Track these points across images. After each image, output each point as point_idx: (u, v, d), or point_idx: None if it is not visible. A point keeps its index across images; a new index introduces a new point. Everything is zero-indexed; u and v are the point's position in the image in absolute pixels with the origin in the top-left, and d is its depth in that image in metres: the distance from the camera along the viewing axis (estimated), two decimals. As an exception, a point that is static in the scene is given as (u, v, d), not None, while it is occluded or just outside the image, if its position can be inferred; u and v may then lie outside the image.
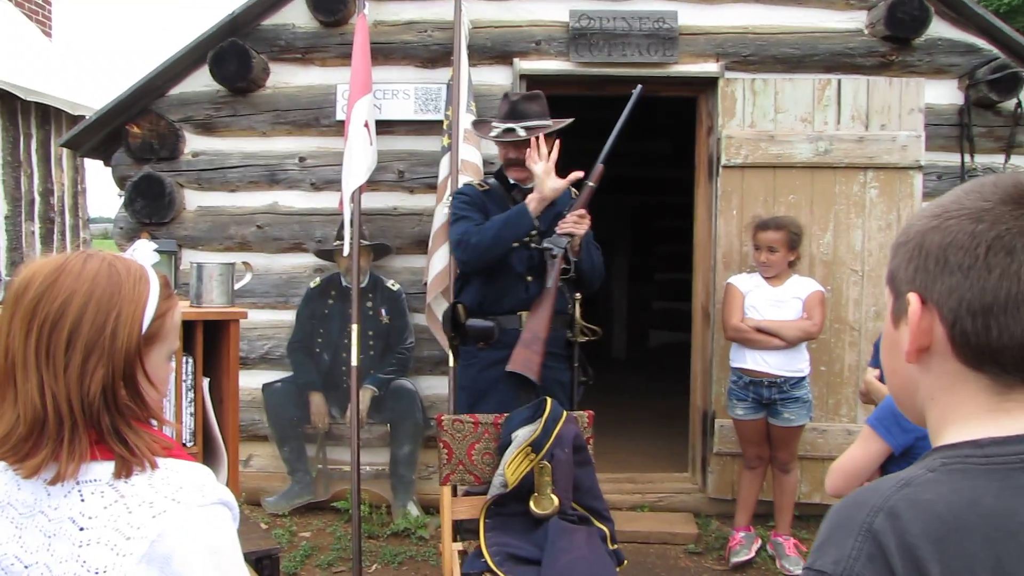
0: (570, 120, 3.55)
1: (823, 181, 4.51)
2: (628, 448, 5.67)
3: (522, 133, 3.45)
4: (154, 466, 1.22)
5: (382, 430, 4.69)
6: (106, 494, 1.20)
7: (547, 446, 2.98)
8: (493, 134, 3.53)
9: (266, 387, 4.68)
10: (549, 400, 3.08)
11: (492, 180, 3.62)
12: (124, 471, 1.20)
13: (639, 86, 3.40)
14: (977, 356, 0.87)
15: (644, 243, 10.17)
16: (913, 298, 0.90)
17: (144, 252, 1.37)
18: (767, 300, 4.10)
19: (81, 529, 1.19)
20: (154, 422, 1.30)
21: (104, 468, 1.21)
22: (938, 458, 0.88)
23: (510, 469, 2.98)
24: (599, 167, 3.38)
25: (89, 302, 1.21)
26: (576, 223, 3.35)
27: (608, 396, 7.51)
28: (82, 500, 1.20)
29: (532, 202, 3.35)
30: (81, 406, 1.19)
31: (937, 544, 0.80)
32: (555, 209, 3.49)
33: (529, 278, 3.45)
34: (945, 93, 4.72)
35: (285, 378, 4.69)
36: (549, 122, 3.49)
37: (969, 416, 0.89)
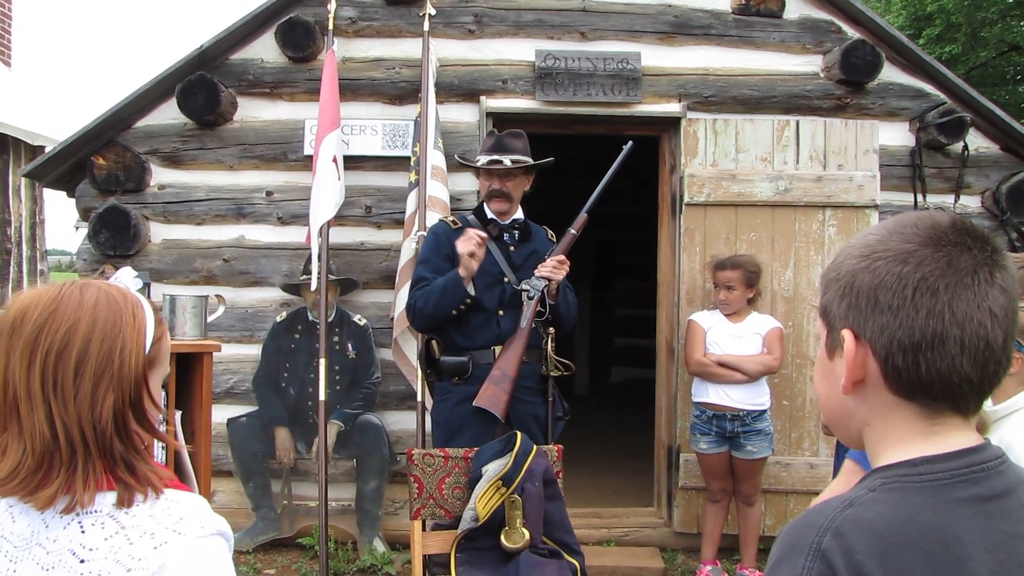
0: (551, 160, 3.62)
1: (783, 219, 4.63)
2: (593, 483, 5.67)
3: (508, 163, 3.51)
4: (158, 494, 1.22)
5: (348, 465, 4.66)
6: (107, 525, 1.19)
7: (518, 480, 2.99)
8: (480, 163, 3.58)
9: (231, 422, 4.63)
10: (519, 434, 3.10)
11: (471, 216, 3.64)
12: (127, 500, 1.20)
13: (630, 143, 3.47)
14: (908, 388, 0.95)
15: (605, 279, 10.25)
16: (848, 335, 0.98)
17: (128, 279, 1.38)
18: (728, 336, 4.18)
19: (82, 561, 1.18)
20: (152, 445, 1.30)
21: (105, 499, 1.20)
22: (878, 478, 0.95)
23: (481, 503, 2.99)
24: (583, 216, 3.45)
25: (94, 329, 1.21)
26: (555, 268, 3.39)
27: (571, 432, 7.50)
28: (82, 532, 1.19)
29: (462, 270, 3.34)
30: (94, 432, 1.18)
31: (880, 560, 0.86)
32: (530, 247, 3.55)
33: (501, 312, 3.48)
34: (898, 135, 4.88)
35: (250, 413, 4.64)
36: (530, 159, 3.56)
37: (903, 439, 0.97)
